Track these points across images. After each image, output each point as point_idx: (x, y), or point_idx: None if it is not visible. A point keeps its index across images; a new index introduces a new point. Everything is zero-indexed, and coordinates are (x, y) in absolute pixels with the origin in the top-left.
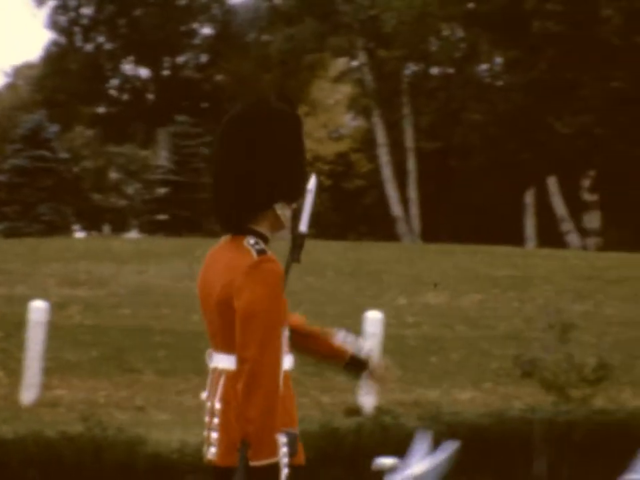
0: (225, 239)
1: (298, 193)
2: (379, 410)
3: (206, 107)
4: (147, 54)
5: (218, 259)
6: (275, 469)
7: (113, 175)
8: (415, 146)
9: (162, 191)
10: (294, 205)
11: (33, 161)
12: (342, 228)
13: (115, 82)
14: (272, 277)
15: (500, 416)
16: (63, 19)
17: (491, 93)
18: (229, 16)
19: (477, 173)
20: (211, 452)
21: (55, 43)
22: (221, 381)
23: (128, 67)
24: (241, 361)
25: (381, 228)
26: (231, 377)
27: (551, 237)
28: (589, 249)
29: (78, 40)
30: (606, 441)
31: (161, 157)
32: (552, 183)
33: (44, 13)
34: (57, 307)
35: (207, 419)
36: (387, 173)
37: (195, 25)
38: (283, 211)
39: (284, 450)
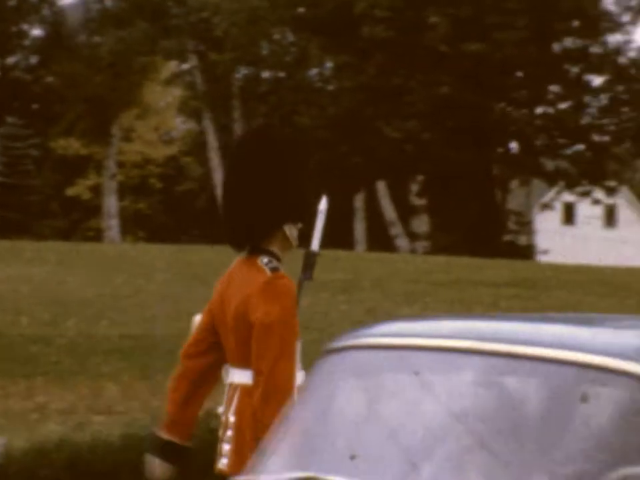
0: (239, 258)
1: (305, 214)
2: None
3: (36, 109)
4: None
5: (234, 278)
6: None
7: None
8: None
9: None
10: (299, 225)
11: None
12: (174, 231)
13: None
14: (285, 293)
15: None
16: None
17: (321, 97)
18: (59, 17)
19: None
20: (222, 463)
21: None
22: (236, 395)
23: None
24: (257, 373)
25: (213, 231)
26: (246, 391)
27: (380, 240)
28: (417, 252)
29: None
30: None
31: None
32: (381, 187)
33: None
34: None
35: (220, 431)
36: (218, 176)
37: (25, 26)
38: (291, 231)
39: None
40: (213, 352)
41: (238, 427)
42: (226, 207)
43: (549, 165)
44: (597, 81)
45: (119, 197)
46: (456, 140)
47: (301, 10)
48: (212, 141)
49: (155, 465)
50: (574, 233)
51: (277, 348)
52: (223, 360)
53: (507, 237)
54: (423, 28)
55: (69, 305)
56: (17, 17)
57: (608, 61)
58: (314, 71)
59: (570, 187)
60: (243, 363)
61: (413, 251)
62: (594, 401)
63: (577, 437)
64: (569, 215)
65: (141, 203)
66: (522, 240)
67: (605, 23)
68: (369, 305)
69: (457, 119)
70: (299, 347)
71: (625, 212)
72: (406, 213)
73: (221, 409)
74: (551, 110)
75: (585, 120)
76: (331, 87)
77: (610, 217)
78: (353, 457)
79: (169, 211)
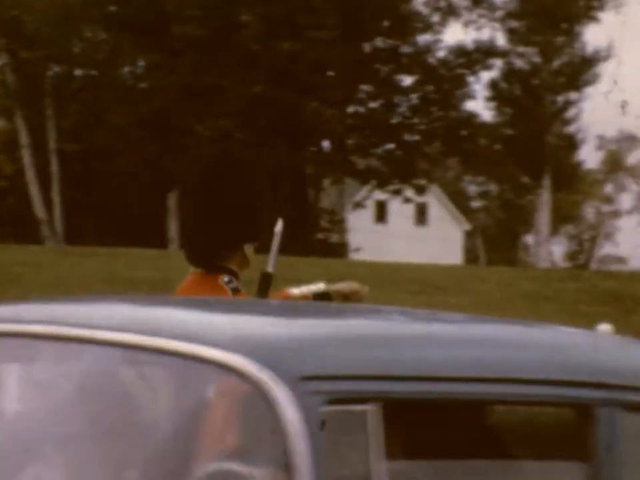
0: (193, 274)
1: (262, 233)
2: None
3: None
4: None
5: (190, 293)
6: None
7: None
8: (58, 148)
9: None
10: (255, 245)
11: None
12: None
13: None
14: None
15: None
16: None
17: (134, 96)
18: None
19: (120, 175)
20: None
21: None
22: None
23: None
24: None
25: (25, 230)
26: None
27: None
28: None
29: None
30: None
31: None
32: None
33: None
34: None
35: None
36: (30, 174)
37: None
38: (249, 251)
39: None
40: None
41: None
42: (190, 228)
43: (361, 163)
44: (407, 80)
45: None
46: (269, 139)
47: (112, 8)
48: (24, 138)
49: None
50: (386, 230)
51: None
52: None
53: (320, 235)
54: (234, 27)
55: None
56: None
57: (418, 61)
58: (127, 69)
59: (381, 185)
60: None
61: None
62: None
63: (145, 431)
64: (380, 213)
65: None
66: (334, 238)
67: (414, 23)
68: None
69: (270, 117)
70: None
71: (435, 210)
72: None
73: None
74: (362, 109)
75: (396, 119)
76: (143, 86)
77: (421, 215)
78: None
79: None
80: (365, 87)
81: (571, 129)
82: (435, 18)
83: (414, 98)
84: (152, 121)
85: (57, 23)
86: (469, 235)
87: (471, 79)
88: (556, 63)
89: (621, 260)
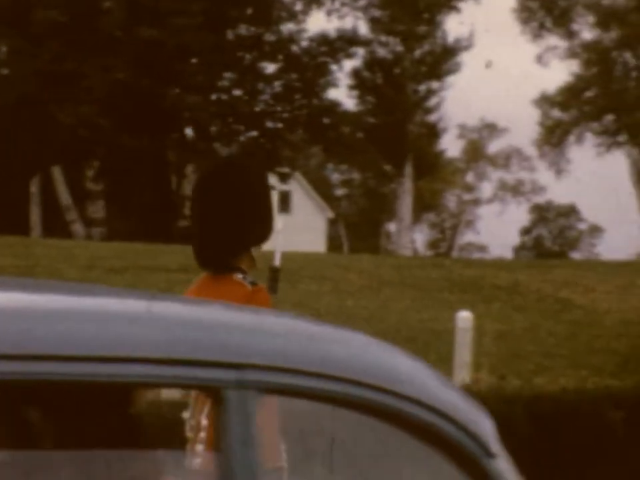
0: (202, 278)
1: (269, 235)
2: None
3: None
4: None
5: (202, 294)
6: (281, 473)
7: None
8: None
9: None
10: (262, 246)
11: None
12: None
13: None
14: (267, 305)
15: None
16: None
17: None
18: None
19: None
20: (196, 463)
21: None
22: (209, 400)
23: None
24: None
25: None
26: None
27: (56, 226)
28: (93, 238)
29: None
30: None
31: None
32: (57, 172)
33: None
34: None
35: (189, 434)
36: None
37: None
38: (256, 252)
39: (284, 455)
40: None
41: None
42: (202, 231)
43: (224, 151)
44: (271, 68)
45: None
46: (132, 125)
47: None
48: None
49: None
50: None
51: None
52: None
53: (182, 223)
54: (97, 13)
55: None
56: None
57: (281, 49)
58: None
59: None
60: None
61: (89, 237)
62: None
63: None
64: None
65: None
66: None
67: (278, 11)
68: None
69: (132, 104)
70: None
71: (298, 198)
72: (82, 198)
73: (186, 414)
74: (225, 96)
75: (259, 107)
76: (5, 72)
77: (284, 203)
78: None
79: None
80: (229, 75)
81: (432, 117)
82: (299, 6)
83: (277, 86)
84: (14, 107)
85: None
86: (332, 223)
87: (333, 67)
88: (418, 52)
89: (481, 248)
